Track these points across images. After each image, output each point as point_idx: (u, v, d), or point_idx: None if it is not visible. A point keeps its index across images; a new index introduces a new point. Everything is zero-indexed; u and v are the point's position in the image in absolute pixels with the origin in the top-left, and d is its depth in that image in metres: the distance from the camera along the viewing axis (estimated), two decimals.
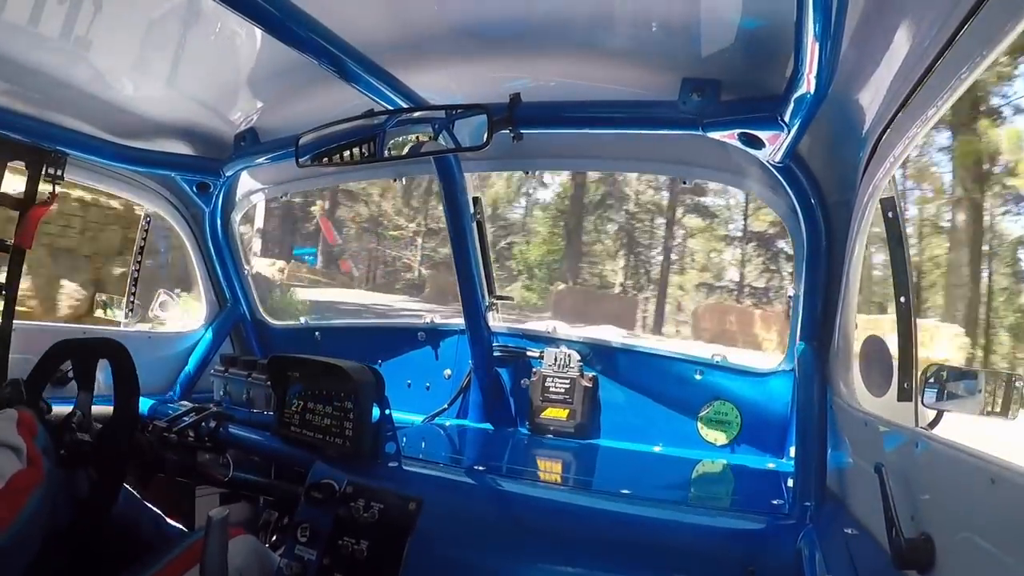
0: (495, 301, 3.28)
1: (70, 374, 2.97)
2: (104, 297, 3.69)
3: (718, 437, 2.87)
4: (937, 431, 1.78)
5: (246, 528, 2.46)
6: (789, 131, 1.99)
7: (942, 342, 18.92)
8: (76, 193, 11.60)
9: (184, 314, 3.76)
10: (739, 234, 31.43)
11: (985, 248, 23.59)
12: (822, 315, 2.45)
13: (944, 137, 23.07)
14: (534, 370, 3.18)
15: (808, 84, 1.66)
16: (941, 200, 24.57)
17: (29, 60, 2.37)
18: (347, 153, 2.34)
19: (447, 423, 3.19)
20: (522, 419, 3.19)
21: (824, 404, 2.30)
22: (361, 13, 2.11)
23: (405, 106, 2.36)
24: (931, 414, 1.85)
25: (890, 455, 1.66)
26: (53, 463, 1.95)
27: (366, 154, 2.31)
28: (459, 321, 3.29)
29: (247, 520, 3.05)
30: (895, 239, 1.97)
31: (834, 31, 1.45)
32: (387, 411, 2.38)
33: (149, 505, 2.48)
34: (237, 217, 3.65)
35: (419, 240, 31.96)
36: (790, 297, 2.62)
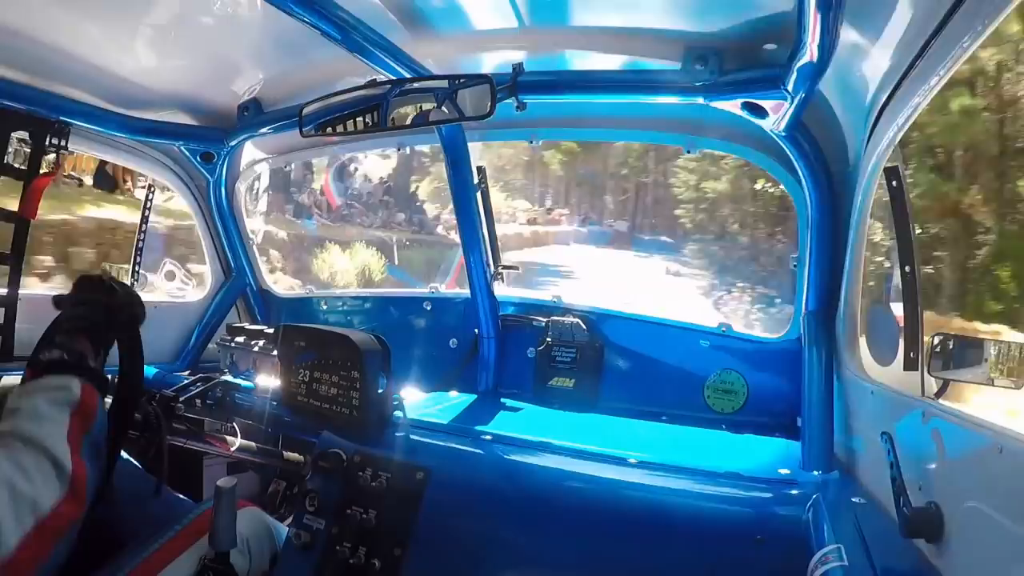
0: (500, 270, 3.28)
1: None
2: (109, 266, 3.69)
3: (724, 406, 2.88)
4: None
5: (254, 498, 2.47)
6: (792, 100, 1.99)
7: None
8: None
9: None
10: None
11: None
12: (827, 284, 2.45)
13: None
14: (540, 339, 3.19)
15: (811, 53, 1.65)
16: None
17: (31, 30, 2.36)
18: (350, 123, 2.32)
19: (453, 392, 3.19)
20: (528, 387, 3.20)
21: (830, 373, 2.32)
22: None
23: (408, 76, 2.36)
24: (938, 383, 1.84)
25: (897, 424, 1.67)
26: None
27: (369, 124, 2.29)
28: (465, 290, 3.30)
29: (255, 490, 3.07)
30: (899, 208, 1.96)
31: (835, 1, 1.44)
32: (394, 380, 2.39)
33: (154, 477, 2.49)
34: (242, 187, 3.65)
35: None
36: (794, 266, 2.62)
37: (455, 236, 3.21)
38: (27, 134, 2.80)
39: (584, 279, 23.14)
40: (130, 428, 2.22)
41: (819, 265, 2.45)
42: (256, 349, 3.04)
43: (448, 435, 2.46)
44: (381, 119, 2.27)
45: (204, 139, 3.29)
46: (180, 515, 2.19)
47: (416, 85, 2.31)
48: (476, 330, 3.28)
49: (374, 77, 2.37)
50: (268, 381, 2.93)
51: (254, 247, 3.76)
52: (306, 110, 2.40)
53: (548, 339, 3.16)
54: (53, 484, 1.53)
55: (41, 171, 2.86)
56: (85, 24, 2.38)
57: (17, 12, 2.26)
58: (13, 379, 2.14)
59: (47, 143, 2.83)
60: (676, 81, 2.26)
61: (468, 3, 2.29)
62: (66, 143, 2.87)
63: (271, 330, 2.99)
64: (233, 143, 3.27)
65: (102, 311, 1.92)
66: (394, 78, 2.34)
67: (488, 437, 2.44)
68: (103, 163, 12.66)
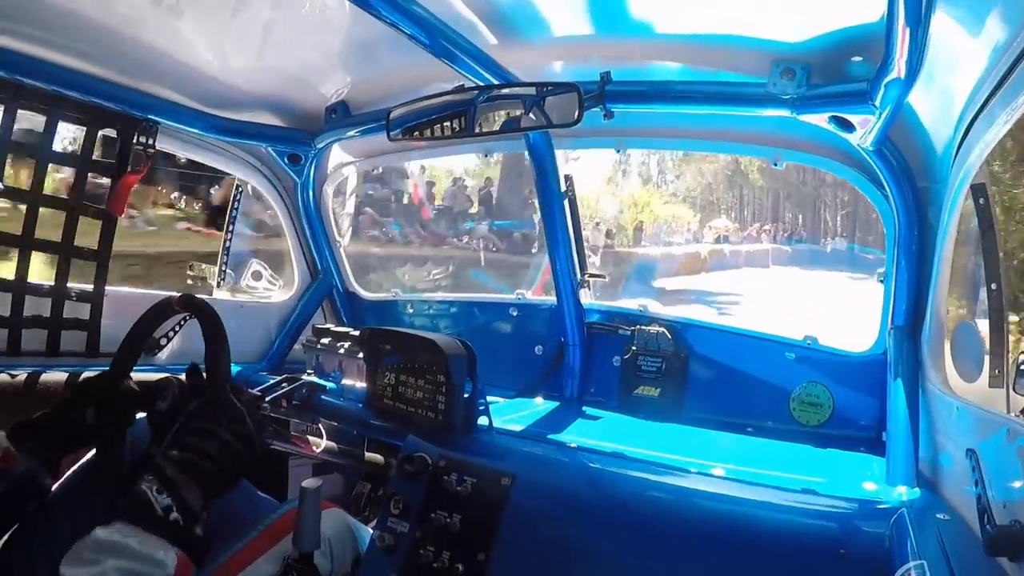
0: (587, 278, 3.26)
1: (162, 341, 3.06)
2: (196, 266, 3.76)
3: (810, 419, 2.81)
4: None
5: (338, 500, 2.49)
6: (880, 115, 1.96)
7: None
8: None
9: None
10: None
11: None
12: (914, 299, 2.41)
13: None
14: (626, 347, 3.16)
15: (899, 68, 1.64)
16: None
17: (121, 29, 2.42)
18: (437, 128, 2.33)
19: (538, 399, 3.19)
20: (613, 396, 3.17)
21: (916, 388, 2.28)
22: None
23: (495, 82, 2.36)
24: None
25: (982, 441, 1.63)
26: None
27: (457, 129, 2.30)
28: (551, 297, 3.29)
29: (339, 492, 3.10)
30: (986, 226, 1.92)
31: (924, 15, 1.42)
32: (479, 385, 2.39)
33: (244, 481, 2.52)
34: (329, 189, 3.69)
35: None
36: (881, 281, 2.56)
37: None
38: (115, 131, 2.87)
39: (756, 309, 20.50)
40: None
41: (905, 280, 2.42)
42: (342, 351, 3.06)
43: (533, 441, 2.46)
44: (469, 125, 2.28)
45: (291, 140, 3.34)
46: (264, 514, 2.21)
47: (505, 91, 2.31)
48: (562, 337, 3.27)
49: (461, 83, 2.38)
50: (354, 383, 2.95)
51: (341, 249, 3.80)
52: (393, 114, 2.41)
53: (633, 348, 3.12)
54: None
55: (129, 169, 2.93)
56: (176, 23, 2.44)
57: (110, 11, 2.32)
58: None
59: (135, 141, 2.89)
60: (763, 94, 2.24)
61: (554, 11, 2.28)
62: (154, 141, 2.94)
63: (357, 332, 3.01)
64: (320, 145, 3.31)
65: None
66: (481, 84, 2.34)
67: (573, 445, 2.43)
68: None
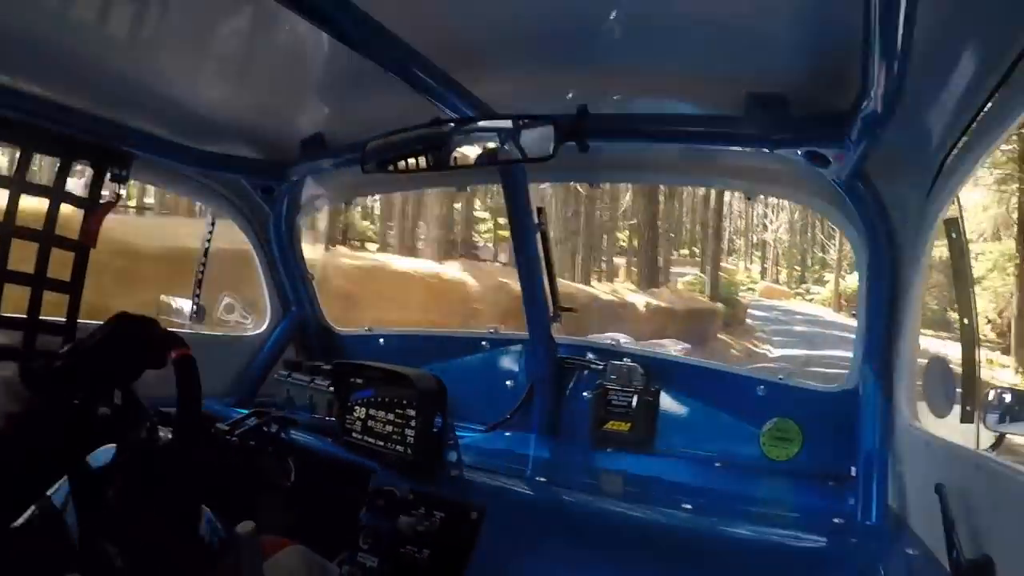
0: (559, 312, 3.26)
1: None
2: (167, 298, 3.74)
3: (780, 454, 2.82)
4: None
5: (306, 534, 2.46)
6: (855, 150, 1.97)
7: None
8: None
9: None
10: None
11: None
12: (886, 335, 2.41)
13: None
14: (597, 383, 3.15)
15: (875, 103, 1.64)
16: None
17: (96, 59, 2.41)
18: (412, 161, 2.33)
19: (509, 433, 3.18)
20: (584, 431, 3.14)
21: (887, 423, 2.30)
22: (429, 21, 2.11)
23: (471, 115, 2.37)
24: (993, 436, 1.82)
25: (951, 476, 1.65)
26: None
27: (432, 163, 2.30)
28: (523, 332, 3.28)
29: (308, 526, 3.07)
30: (959, 260, 1.94)
31: (900, 50, 1.42)
32: (449, 420, 2.38)
33: (208, 512, 2.49)
34: (302, 222, 3.67)
35: None
36: (854, 315, 2.59)
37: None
38: (90, 163, 2.86)
39: None
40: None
41: (877, 315, 2.42)
42: (313, 385, 3.05)
43: (503, 476, 2.45)
44: (444, 158, 2.28)
45: (265, 173, 3.33)
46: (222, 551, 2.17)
47: (480, 124, 2.32)
48: (533, 372, 3.26)
49: (437, 115, 2.39)
50: (323, 417, 2.93)
51: (313, 283, 3.78)
52: (369, 147, 2.41)
53: (605, 383, 3.12)
54: None
55: (102, 200, 2.91)
56: (153, 54, 2.43)
57: (85, 42, 2.31)
58: None
59: (109, 172, 2.88)
60: (739, 128, 2.25)
61: (531, 44, 2.29)
62: (128, 173, 2.92)
63: (328, 367, 3.00)
64: (294, 178, 3.30)
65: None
66: (457, 117, 2.35)
67: (543, 479, 2.42)
68: None
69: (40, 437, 1.79)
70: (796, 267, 57.63)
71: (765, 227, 56.39)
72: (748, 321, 35.11)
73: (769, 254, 58.91)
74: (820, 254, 54.78)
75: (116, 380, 1.94)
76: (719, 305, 31.44)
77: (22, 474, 1.86)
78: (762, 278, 55.48)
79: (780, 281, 55.92)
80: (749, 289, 48.56)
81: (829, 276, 50.92)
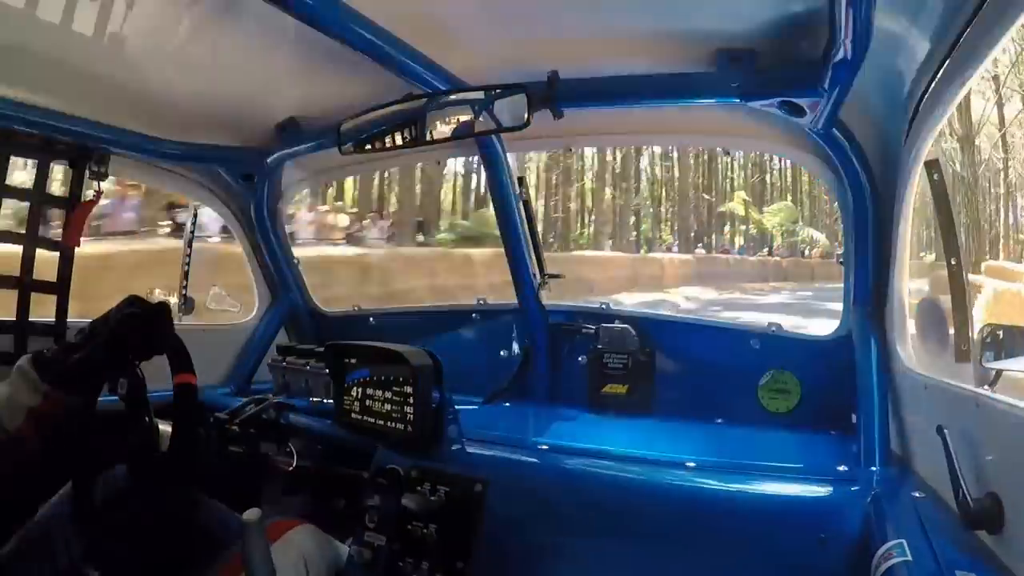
0: (546, 279, 3.27)
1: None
2: (155, 291, 3.73)
3: (779, 406, 2.84)
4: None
5: (313, 517, 2.47)
6: (829, 98, 1.97)
7: None
8: None
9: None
10: None
11: None
12: (874, 280, 2.44)
13: None
14: (591, 346, 3.17)
15: (845, 49, 1.65)
16: None
17: (67, 59, 2.40)
18: (388, 139, 2.33)
19: (507, 403, 3.20)
20: (581, 396, 3.17)
21: (883, 368, 2.29)
22: None
23: (443, 88, 2.36)
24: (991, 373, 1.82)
25: (951, 416, 1.65)
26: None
27: (408, 138, 2.30)
28: (513, 301, 3.30)
29: (313, 509, 3.08)
30: (942, 201, 1.95)
31: None
32: (447, 394, 2.39)
33: (213, 500, 2.50)
34: (284, 206, 3.66)
35: None
36: (840, 263, 2.59)
37: None
38: (68, 162, 2.86)
39: None
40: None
41: (865, 261, 2.44)
42: (307, 368, 3.05)
43: (504, 446, 2.45)
44: (419, 133, 2.28)
45: (243, 161, 3.32)
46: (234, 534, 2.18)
47: (452, 97, 2.31)
48: (526, 340, 3.28)
49: (410, 91, 2.37)
50: (321, 400, 2.93)
51: (299, 266, 3.78)
52: (344, 127, 2.41)
53: (599, 346, 3.13)
54: None
55: (82, 199, 2.92)
56: (122, 51, 2.41)
57: (55, 43, 2.30)
58: None
59: (88, 171, 2.88)
60: (712, 83, 2.26)
61: (497, 14, 2.28)
62: (106, 170, 2.92)
63: (321, 349, 3.00)
64: (273, 163, 3.30)
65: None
66: (430, 91, 2.34)
67: (545, 447, 2.43)
68: None
69: (59, 436, 1.80)
70: None
71: None
72: None
73: None
74: None
75: (128, 365, 1.95)
76: None
77: (43, 474, 1.88)
78: None
79: None
80: None
81: None
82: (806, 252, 47.75)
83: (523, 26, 2.33)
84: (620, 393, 3.08)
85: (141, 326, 1.90)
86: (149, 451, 2.03)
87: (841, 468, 2.20)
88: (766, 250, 51.79)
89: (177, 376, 2.02)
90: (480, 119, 2.22)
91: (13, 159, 2.74)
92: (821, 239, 45.40)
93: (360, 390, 2.54)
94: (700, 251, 43.08)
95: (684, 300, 27.17)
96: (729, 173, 53.78)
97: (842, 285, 2.56)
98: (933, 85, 1.75)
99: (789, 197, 55.00)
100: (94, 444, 1.96)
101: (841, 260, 2.58)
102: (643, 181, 49.67)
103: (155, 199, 15.80)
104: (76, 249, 2.96)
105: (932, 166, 1.94)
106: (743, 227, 53.82)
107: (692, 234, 47.38)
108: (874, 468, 2.14)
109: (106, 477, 2.06)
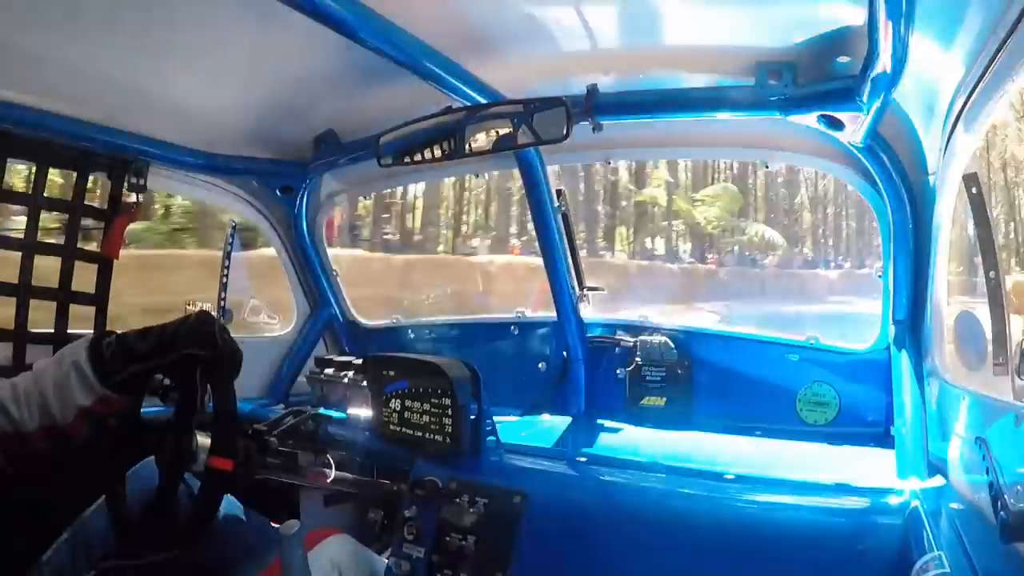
0: (586, 292, 3.27)
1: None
2: (193, 303, 3.75)
3: (817, 418, 2.83)
4: None
5: (351, 529, 2.48)
6: (868, 111, 1.97)
7: None
8: None
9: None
10: None
11: None
12: (913, 293, 2.42)
13: None
14: (629, 359, 3.16)
15: (884, 63, 1.65)
16: None
17: (106, 72, 2.43)
18: (427, 151, 2.34)
19: (545, 415, 3.20)
20: (620, 408, 3.17)
21: (920, 380, 2.28)
22: (433, 11, 2.12)
23: (483, 101, 2.36)
24: None
25: (990, 429, 1.63)
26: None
27: (447, 151, 2.30)
28: (551, 314, 3.29)
29: (352, 521, 3.09)
30: (980, 214, 1.92)
31: (906, 10, 1.44)
32: (485, 405, 2.39)
33: (252, 511, 2.52)
34: (323, 219, 3.68)
35: None
36: (879, 276, 2.57)
37: None
38: (106, 174, 2.89)
39: None
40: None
41: (903, 274, 2.42)
42: (346, 380, 3.05)
43: (543, 458, 2.45)
44: (458, 146, 2.28)
45: (282, 173, 3.34)
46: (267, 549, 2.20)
47: (492, 110, 2.31)
48: (564, 353, 3.27)
49: (449, 104, 2.38)
50: (360, 412, 2.94)
51: (338, 279, 3.79)
52: (383, 140, 2.42)
53: (637, 359, 3.13)
54: None
55: (121, 211, 2.94)
56: (161, 63, 2.45)
57: (94, 55, 2.33)
58: None
59: (126, 183, 2.90)
60: (751, 97, 2.24)
61: (538, 27, 2.30)
62: (145, 182, 2.94)
63: (359, 361, 3.01)
64: (312, 175, 3.32)
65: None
66: (469, 104, 2.34)
67: (583, 459, 2.43)
68: None
69: (106, 435, 1.82)
70: None
71: None
72: None
73: None
74: None
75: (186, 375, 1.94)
76: None
77: (82, 471, 1.90)
78: None
79: None
80: None
81: None
82: (758, 259, 37.01)
83: (563, 40, 2.35)
84: (659, 405, 3.07)
85: (208, 366, 1.92)
86: (184, 461, 2.03)
87: (879, 480, 2.18)
88: (700, 254, 38.66)
89: (212, 459, 1.99)
90: (519, 132, 2.22)
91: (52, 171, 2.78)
92: (777, 239, 37.41)
93: (399, 402, 2.54)
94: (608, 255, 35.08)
95: None
96: None
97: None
98: (971, 98, 1.73)
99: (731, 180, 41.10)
100: (133, 445, 1.99)
101: (880, 275, 2.56)
102: None
103: None
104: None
105: (971, 179, 1.92)
106: (664, 223, 39.41)
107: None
108: (912, 480, 2.12)
109: (137, 475, 2.08)
